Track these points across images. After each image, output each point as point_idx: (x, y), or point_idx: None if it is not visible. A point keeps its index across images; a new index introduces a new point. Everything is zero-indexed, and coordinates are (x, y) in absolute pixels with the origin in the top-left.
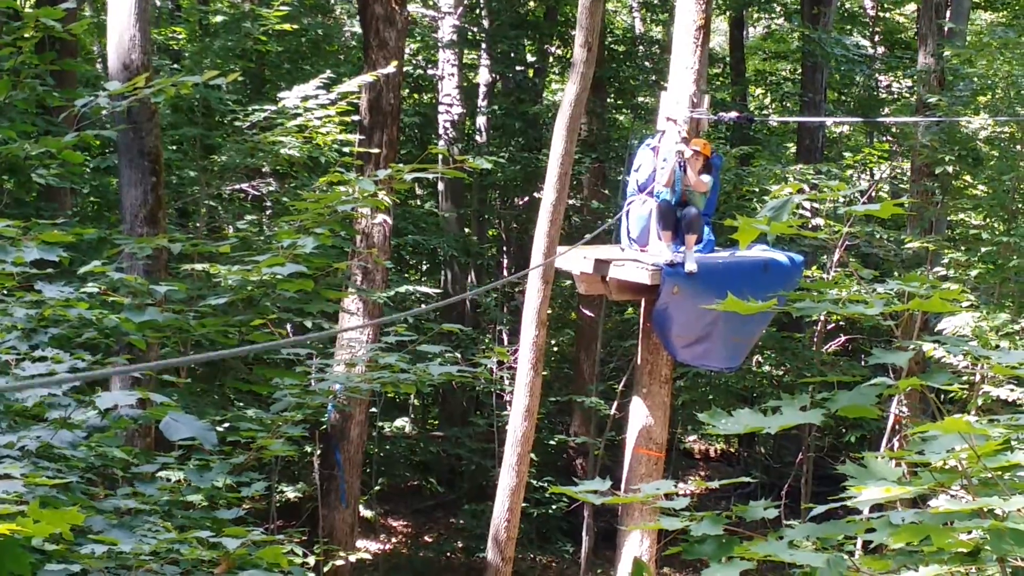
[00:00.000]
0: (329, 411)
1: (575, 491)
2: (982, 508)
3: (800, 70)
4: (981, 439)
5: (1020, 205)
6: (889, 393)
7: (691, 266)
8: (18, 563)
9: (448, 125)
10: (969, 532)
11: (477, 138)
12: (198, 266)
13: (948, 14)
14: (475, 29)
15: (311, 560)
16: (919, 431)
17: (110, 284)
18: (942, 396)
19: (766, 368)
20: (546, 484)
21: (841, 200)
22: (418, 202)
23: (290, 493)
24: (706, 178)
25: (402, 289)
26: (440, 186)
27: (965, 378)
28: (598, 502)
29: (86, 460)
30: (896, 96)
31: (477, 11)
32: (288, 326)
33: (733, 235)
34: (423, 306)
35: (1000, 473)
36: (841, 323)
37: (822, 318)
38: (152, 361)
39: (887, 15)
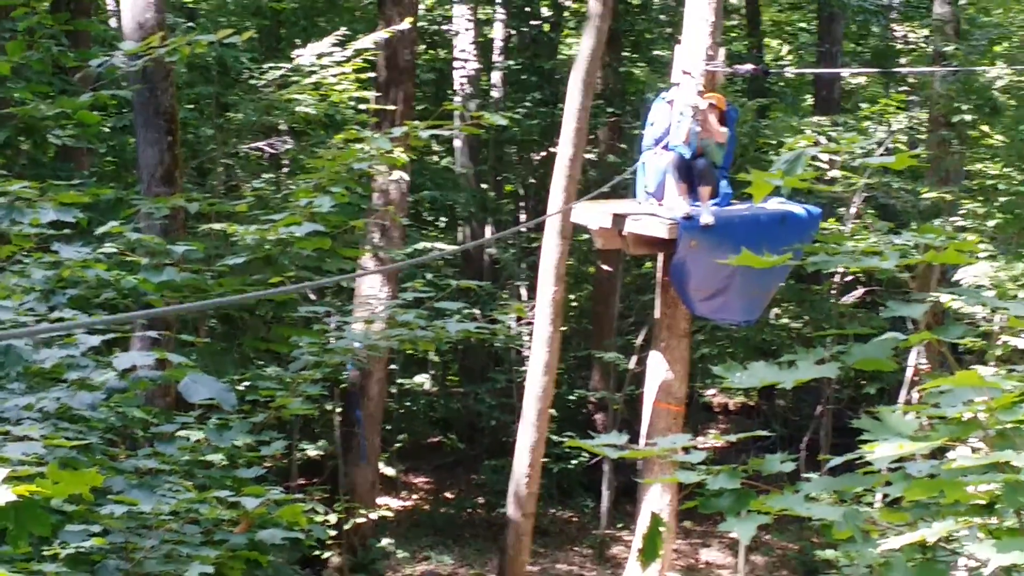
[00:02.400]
0: (348, 369)
1: (592, 445)
2: (997, 461)
3: (816, 21)
4: (995, 392)
5: None
6: (904, 346)
7: (707, 218)
8: (39, 524)
9: (464, 81)
10: (985, 485)
11: (493, 93)
12: (216, 225)
13: None
14: None
15: (332, 517)
16: (933, 385)
17: (128, 244)
18: (960, 347)
19: (784, 321)
20: (566, 439)
21: (859, 151)
22: (435, 158)
23: (311, 451)
24: (724, 129)
25: (419, 246)
26: (457, 142)
27: (983, 328)
28: (615, 456)
29: (106, 421)
30: (912, 46)
31: None
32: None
33: (748, 189)
34: (441, 261)
35: (1016, 425)
36: (859, 275)
37: (840, 270)
38: (171, 321)
39: None
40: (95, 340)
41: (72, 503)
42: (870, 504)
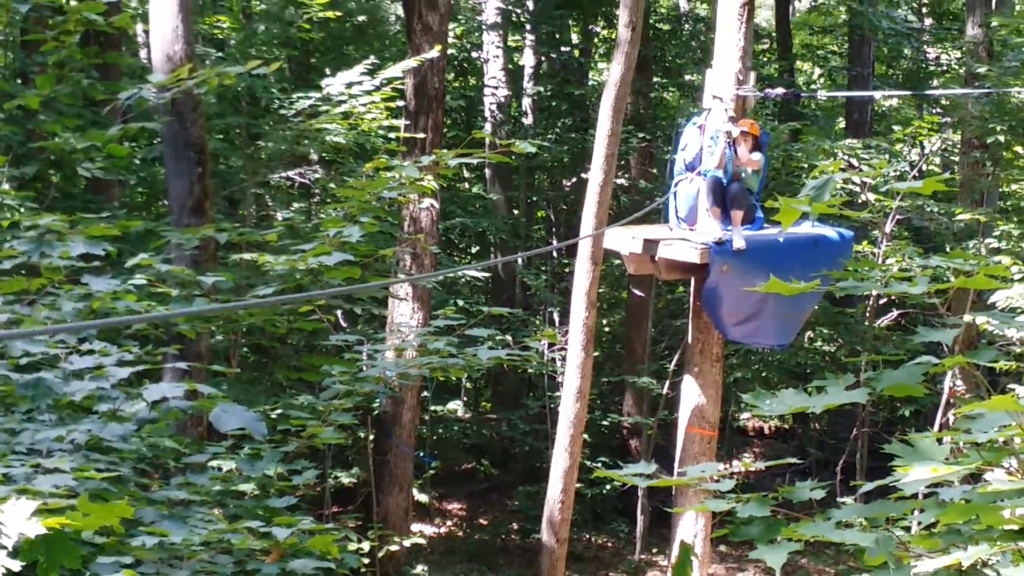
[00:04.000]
0: (380, 398)
1: (620, 474)
2: None
3: (847, 44)
4: None
5: None
6: (935, 371)
7: (739, 243)
8: (69, 556)
9: (494, 108)
10: (1016, 510)
11: (523, 120)
12: (246, 255)
13: None
14: (519, 11)
15: (365, 545)
16: (966, 410)
17: (158, 275)
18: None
19: (818, 344)
20: (599, 465)
21: (892, 174)
22: (466, 185)
23: (344, 479)
24: (756, 156)
25: (451, 273)
26: (487, 169)
27: (1020, 350)
28: (643, 485)
29: (137, 452)
30: (945, 68)
31: None
32: (338, 312)
33: (776, 216)
34: (473, 288)
35: None
36: (893, 297)
37: (874, 293)
38: (202, 352)
39: None
40: (125, 372)
41: (103, 535)
42: (907, 529)
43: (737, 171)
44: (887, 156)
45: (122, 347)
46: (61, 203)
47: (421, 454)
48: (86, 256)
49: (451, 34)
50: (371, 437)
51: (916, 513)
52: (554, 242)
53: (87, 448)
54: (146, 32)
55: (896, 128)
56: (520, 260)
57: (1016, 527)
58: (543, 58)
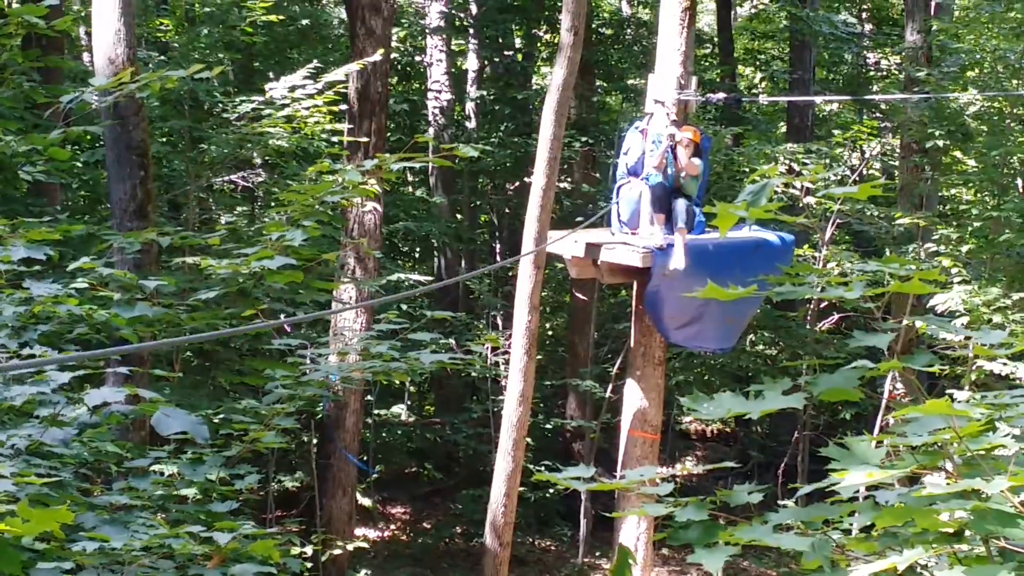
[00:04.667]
0: (323, 402)
1: (560, 478)
2: (965, 489)
3: (788, 49)
4: (963, 420)
5: (1010, 179)
6: (872, 375)
7: (677, 262)
8: (10, 562)
9: (437, 112)
10: (952, 513)
11: (466, 124)
12: (189, 259)
13: None
14: (462, 15)
15: (309, 550)
16: (902, 414)
17: (100, 279)
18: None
19: (760, 348)
20: (541, 469)
21: (832, 178)
22: (410, 188)
23: (288, 483)
24: (697, 161)
25: (394, 277)
26: (431, 173)
27: (959, 353)
28: (583, 488)
29: (79, 456)
30: (884, 73)
31: None
32: (281, 316)
33: (714, 221)
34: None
35: (983, 453)
36: (835, 301)
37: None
38: (144, 356)
39: None
40: (66, 376)
41: (43, 540)
42: (846, 532)
43: (678, 177)
44: (827, 160)
45: (63, 352)
46: (2, 207)
47: (363, 459)
48: (27, 260)
49: (394, 38)
50: (314, 441)
51: (855, 515)
52: (497, 246)
53: (28, 453)
54: (88, 35)
55: (836, 132)
56: (463, 264)
57: (951, 530)
58: (486, 62)
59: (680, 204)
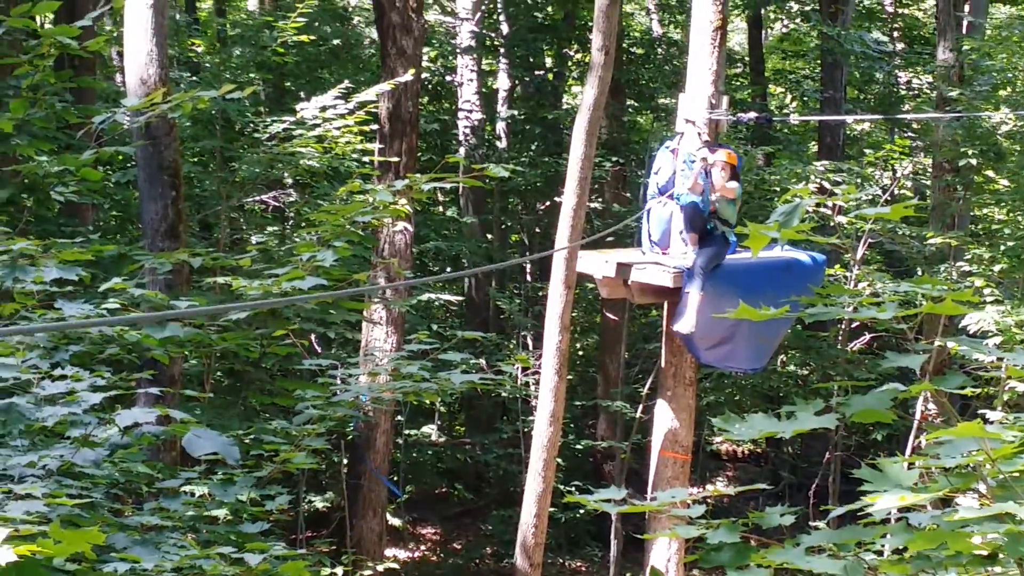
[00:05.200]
0: (353, 422)
1: (590, 500)
2: (999, 512)
3: (819, 68)
4: (996, 443)
5: None
6: (904, 397)
7: (686, 325)
8: None
9: (468, 131)
10: (986, 536)
11: (497, 144)
12: (220, 280)
13: (967, 8)
14: (493, 35)
15: (339, 571)
16: (934, 436)
17: (131, 300)
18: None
19: (791, 368)
20: (573, 489)
21: (863, 198)
22: (440, 208)
23: (318, 503)
24: (733, 184)
25: (424, 297)
26: (461, 193)
27: (991, 374)
28: (613, 511)
29: (110, 477)
30: (916, 92)
31: (495, 16)
32: (312, 336)
33: (745, 242)
34: (447, 311)
35: (1017, 475)
36: (867, 322)
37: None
38: (175, 377)
39: (906, 11)
40: (98, 397)
41: (75, 561)
42: (880, 554)
43: (714, 201)
44: (858, 180)
45: (95, 372)
46: (34, 227)
47: (394, 479)
48: (59, 281)
49: (425, 58)
50: (345, 461)
51: (888, 537)
52: (527, 266)
53: (59, 474)
54: (120, 56)
55: (868, 152)
56: (493, 284)
57: (985, 553)
58: (517, 82)
59: (703, 259)
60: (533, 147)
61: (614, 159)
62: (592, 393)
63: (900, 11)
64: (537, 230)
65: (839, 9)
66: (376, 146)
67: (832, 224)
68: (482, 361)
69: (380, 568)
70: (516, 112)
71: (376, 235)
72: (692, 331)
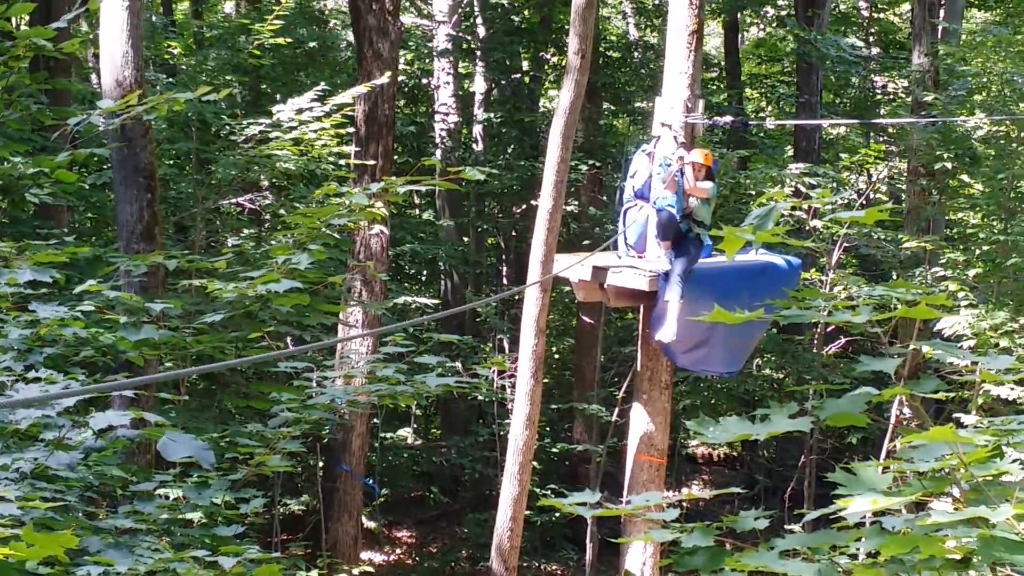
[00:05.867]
0: (329, 425)
1: (565, 503)
2: (972, 516)
3: (795, 72)
4: (969, 446)
5: (1017, 203)
6: (877, 400)
7: (667, 334)
8: None
9: (444, 134)
10: (959, 540)
11: (473, 147)
12: (195, 282)
13: (942, 13)
14: (470, 38)
15: (314, 574)
16: (908, 440)
17: (106, 302)
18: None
19: (767, 372)
20: (549, 492)
21: (839, 202)
22: (416, 211)
23: (294, 506)
24: (707, 184)
25: (401, 300)
26: (438, 196)
27: (965, 378)
28: (587, 515)
29: (84, 480)
30: (892, 96)
31: (471, 20)
32: (288, 339)
33: (720, 245)
34: (423, 316)
35: (991, 479)
36: (841, 325)
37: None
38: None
39: (881, 16)
40: (71, 400)
41: (48, 565)
42: (854, 558)
43: (690, 205)
44: (834, 184)
45: (69, 375)
46: (9, 229)
47: (370, 481)
48: (34, 283)
49: (402, 61)
50: (320, 464)
51: (862, 541)
52: (504, 269)
53: (33, 477)
54: (96, 57)
55: (843, 156)
56: (470, 287)
57: (958, 557)
58: (493, 85)
59: (679, 266)
60: (509, 150)
61: (590, 162)
62: (568, 396)
63: (876, 16)
64: (513, 233)
65: (815, 13)
66: (352, 149)
67: (807, 228)
68: (458, 364)
69: (355, 572)
70: (492, 115)
71: (352, 238)
72: (673, 339)
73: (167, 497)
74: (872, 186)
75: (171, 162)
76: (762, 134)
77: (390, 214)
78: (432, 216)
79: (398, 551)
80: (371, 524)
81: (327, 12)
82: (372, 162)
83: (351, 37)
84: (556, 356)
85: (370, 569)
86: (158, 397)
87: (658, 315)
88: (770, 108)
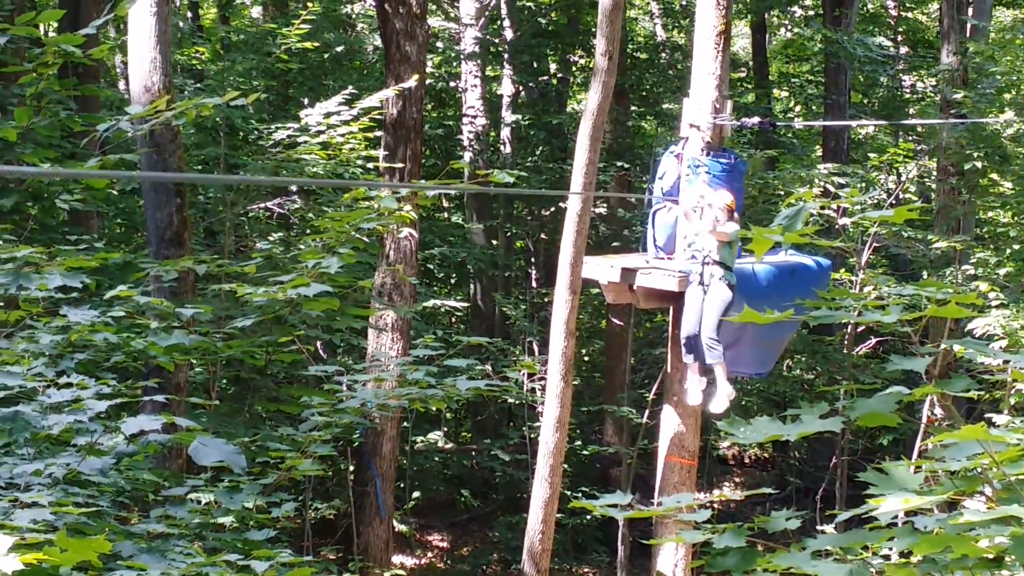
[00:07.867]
0: (360, 429)
1: (596, 505)
2: (1005, 515)
3: (823, 72)
4: (1000, 446)
5: None
6: (908, 400)
7: (719, 405)
8: None
9: (472, 137)
10: (992, 539)
11: (501, 149)
12: (225, 287)
13: (971, 11)
14: (497, 40)
15: None
16: (939, 439)
17: (136, 307)
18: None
19: (797, 372)
20: (580, 495)
21: (868, 201)
22: (445, 215)
23: (325, 510)
24: (731, 227)
25: (430, 303)
26: (466, 198)
27: (996, 377)
28: (619, 516)
29: (116, 485)
30: (920, 95)
31: (499, 22)
32: (317, 343)
33: (749, 246)
34: (452, 318)
35: (1023, 478)
36: (872, 325)
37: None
38: (181, 384)
39: (909, 14)
40: (103, 405)
41: (81, 570)
42: (886, 558)
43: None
44: (863, 184)
45: (100, 380)
46: (39, 235)
47: (400, 485)
48: (64, 288)
49: (429, 64)
50: (351, 468)
51: (894, 541)
52: (533, 272)
53: (65, 482)
54: (124, 63)
55: (872, 156)
56: (498, 289)
57: (991, 556)
58: (521, 87)
59: (711, 326)
60: (537, 153)
61: (618, 164)
62: (598, 398)
63: (904, 15)
64: (542, 236)
65: (842, 13)
66: (380, 152)
67: (837, 228)
68: (488, 367)
69: (387, 575)
70: (520, 117)
71: (381, 241)
72: (728, 405)
73: (199, 501)
74: (901, 186)
75: (200, 167)
76: (790, 134)
77: (419, 218)
78: (461, 219)
79: (429, 555)
80: (403, 528)
81: (354, 16)
82: (400, 165)
83: (378, 41)
84: (586, 358)
85: (402, 573)
86: (189, 402)
87: (691, 380)
88: (798, 108)
